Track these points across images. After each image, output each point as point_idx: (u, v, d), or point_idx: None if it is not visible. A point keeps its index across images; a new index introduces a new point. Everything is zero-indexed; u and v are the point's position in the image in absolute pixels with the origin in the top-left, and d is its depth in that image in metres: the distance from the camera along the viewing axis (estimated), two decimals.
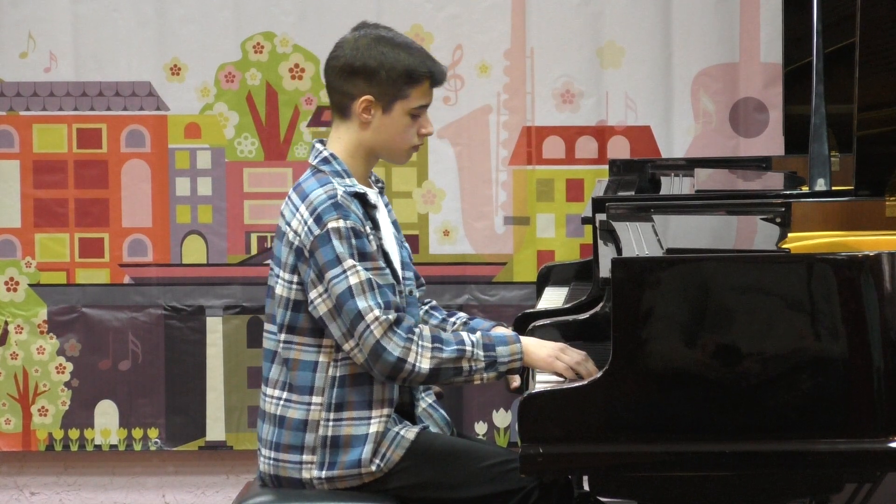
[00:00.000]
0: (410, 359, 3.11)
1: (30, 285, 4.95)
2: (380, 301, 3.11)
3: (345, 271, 3.12)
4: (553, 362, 3.16)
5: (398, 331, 3.11)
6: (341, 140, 3.27)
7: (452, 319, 3.49)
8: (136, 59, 4.89)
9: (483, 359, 3.15)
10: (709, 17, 4.84)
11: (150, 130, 4.91)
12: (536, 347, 3.19)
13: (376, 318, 3.10)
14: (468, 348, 3.14)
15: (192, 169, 4.92)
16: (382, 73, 3.21)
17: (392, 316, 3.11)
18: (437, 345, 3.13)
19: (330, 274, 3.12)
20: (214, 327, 4.95)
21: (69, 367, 4.96)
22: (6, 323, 4.96)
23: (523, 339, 3.20)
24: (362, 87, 3.22)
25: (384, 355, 3.10)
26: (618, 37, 4.85)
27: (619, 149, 4.86)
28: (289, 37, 4.88)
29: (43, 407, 4.97)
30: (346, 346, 3.14)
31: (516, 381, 3.44)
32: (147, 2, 4.87)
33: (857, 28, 3.41)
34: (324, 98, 4.85)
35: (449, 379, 3.15)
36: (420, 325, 3.16)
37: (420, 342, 3.12)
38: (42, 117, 4.92)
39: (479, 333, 3.20)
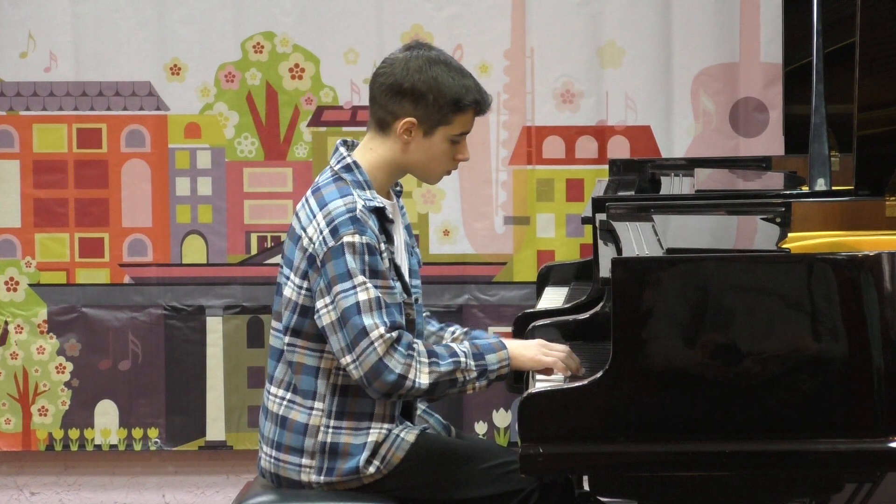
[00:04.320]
0: (411, 375, 3.10)
1: (30, 285, 4.95)
2: (386, 320, 3.10)
3: (354, 287, 3.10)
4: (541, 359, 3.17)
5: (399, 348, 3.10)
6: (374, 152, 3.25)
7: (451, 329, 3.48)
8: (136, 59, 4.89)
9: (475, 368, 3.15)
10: (709, 17, 4.84)
11: (150, 130, 4.91)
12: (521, 349, 3.19)
13: (381, 336, 3.09)
14: (462, 359, 3.14)
15: (192, 169, 4.92)
16: (430, 98, 3.19)
17: (395, 334, 3.11)
18: (433, 359, 3.13)
19: (339, 287, 3.11)
20: (214, 327, 4.95)
21: (69, 366, 4.96)
22: (6, 323, 4.96)
23: (508, 343, 3.20)
24: (408, 108, 3.20)
25: (385, 373, 3.09)
26: (618, 37, 4.85)
27: (619, 149, 4.86)
28: (289, 37, 4.88)
29: (43, 407, 4.97)
30: (344, 361, 3.12)
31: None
32: (147, 2, 4.87)
33: (857, 28, 3.41)
34: (324, 98, 4.86)
35: (444, 391, 3.15)
36: (416, 342, 3.16)
37: (419, 358, 3.12)
38: (42, 117, 4.92)
39: (466, 343, 3.19)
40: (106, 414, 4.97)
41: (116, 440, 4.98)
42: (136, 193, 4.93)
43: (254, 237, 4.93)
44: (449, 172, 3.30)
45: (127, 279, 4.94)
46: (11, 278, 4.95)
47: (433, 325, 3.48)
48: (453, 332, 3.47)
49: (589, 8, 4.85)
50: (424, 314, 3.47)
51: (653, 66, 4.86)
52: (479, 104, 3.24)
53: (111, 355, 4.96)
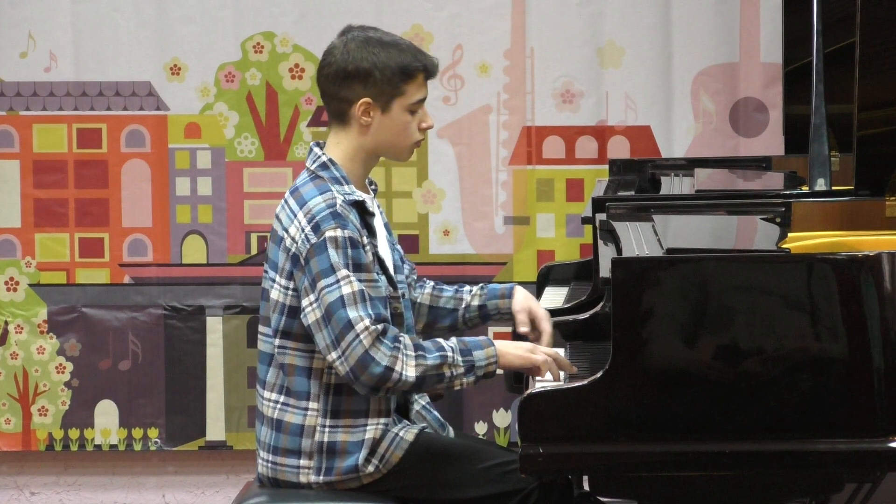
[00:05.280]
0: (398, 367, 3.10)
1: (30, 285, 4.95)
2: (370, 312, 3.10)
3: (338, 281, 3.11)
4: (530, 357, 3.15)
5: (385, 340, 3.10)
6: (341, 145, 3.26)
7: (452, 288, 3.48)
8: (136, 59, 4.90)
9: (462, 364, 3.14)
10: (709, 17, 4.84)
11: (150, 130, 4.92)
12: (510, 347, 3.18)
13: (366, 328, 3.08)
14: (448, 354, 3.13)
15: (192, 169, 4.92)
16: (377, 74, 3.20)
17: (380, 327, 3.10)
18: (420, 352, 3.12)
19: (323, 283, 3.11)
20: (214, 327, 4.95)
21: (69, 366, 4.96)
22: (6, 323, 4.96)
23: (496, 341, 3.19)
24: (359, 90, 3.21)
25: (371, 365, 3.08)
26: (618, 37, 4.85)
27: (619, 149, 4.86)
28: (289, 37, 4.88)
29: (43, 407, 4.97)
30: (330, 357, 3.11)
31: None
32: (147, 2, 4.87)
33: (857, 28, 3.41)
34: None
35: (432, 386, 3.14)
36: (402, 335, 3.15)
37: (405, 351, 3.11)
38: (42, 117, 4.92)
39: (454, 339, 3.18)
40: (106, 414, 4.97)
41: (116, 440, 4.98)
42: (136, 193, 4.93)
43: (254, 237, 4.93)
44: (418, 144, 3.29)
45: (127, 279, 4.94)
46: (11, 278, 4.95)
47: (425, 287, 3.48)
48: (456, 290, 3.46)
49: (589, 8, 4.85)
50: (415, 276, 3.47)
51: (653, 66, 4.86)
52: (427, 67, 3.25)
53: (111, 355, 4.96)
